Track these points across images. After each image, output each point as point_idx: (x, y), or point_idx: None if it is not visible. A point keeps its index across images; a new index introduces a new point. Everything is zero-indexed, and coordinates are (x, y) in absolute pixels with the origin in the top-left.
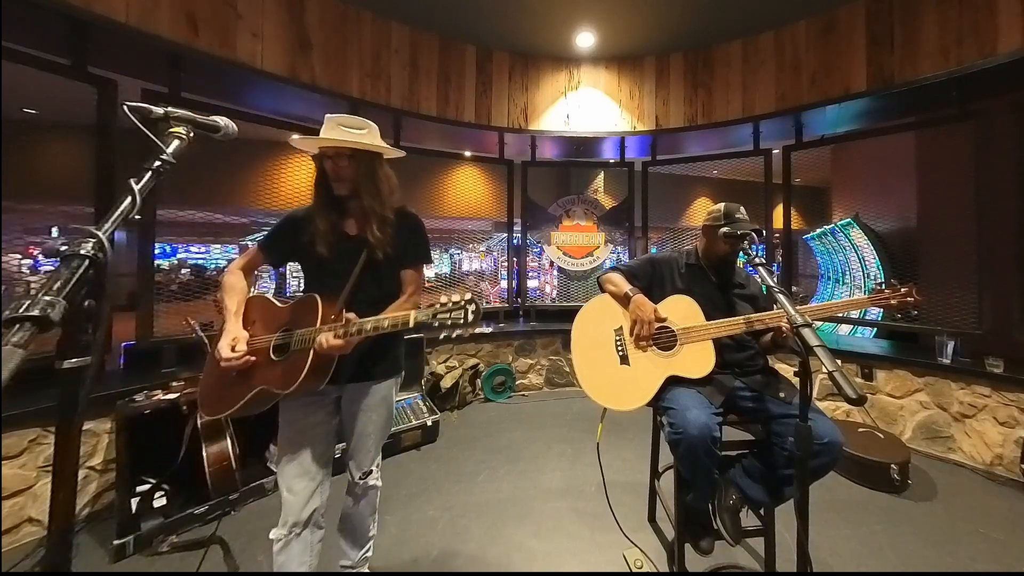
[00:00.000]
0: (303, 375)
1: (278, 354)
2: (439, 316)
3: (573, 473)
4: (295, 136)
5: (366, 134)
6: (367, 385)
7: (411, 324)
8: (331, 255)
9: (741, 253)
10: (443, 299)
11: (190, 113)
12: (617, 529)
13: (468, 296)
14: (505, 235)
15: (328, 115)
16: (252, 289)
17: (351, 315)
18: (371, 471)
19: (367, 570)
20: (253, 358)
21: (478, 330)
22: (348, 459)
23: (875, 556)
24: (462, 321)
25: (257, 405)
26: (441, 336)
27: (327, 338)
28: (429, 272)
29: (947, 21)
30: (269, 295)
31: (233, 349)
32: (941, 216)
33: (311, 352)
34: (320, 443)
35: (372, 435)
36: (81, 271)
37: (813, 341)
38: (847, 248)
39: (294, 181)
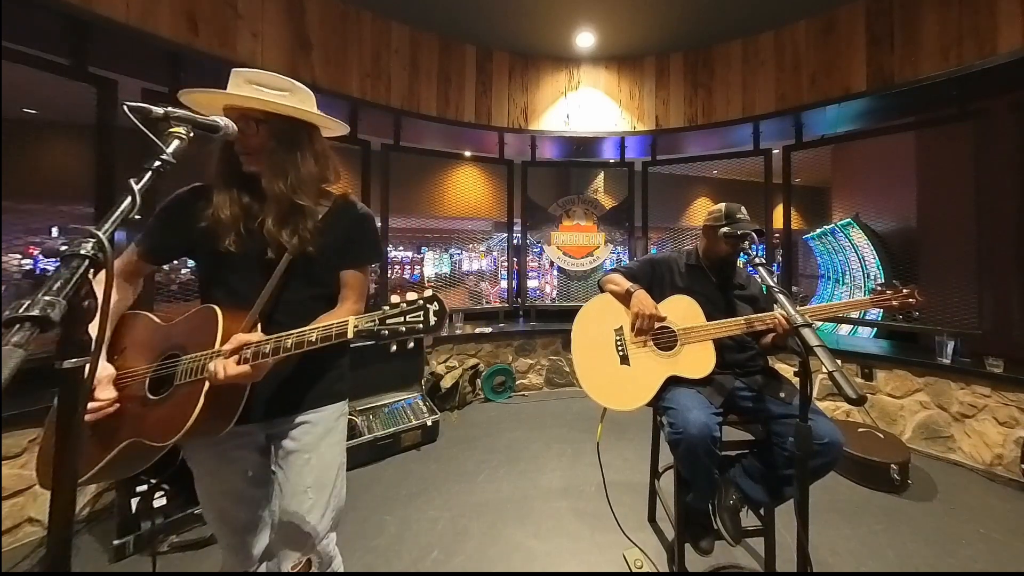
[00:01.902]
0: (193, 418)
1: (157, 391)
2: (389, 322)
3: (573, 473)
4: (186, 90)
5: (287, 96)
6: (299, 418)
7: (349, 335)
8: (239, 249)
9: (742, 253)
10: (395, 298)
11: (190, 113)
12: (617, 529)
13: (428, 293)
14: (505, 235)
15: (236, 69)
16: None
17: (248, 335)
18: (308, 561)
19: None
20: (117, 406)
21: (477, 330)
22: (274, 537)
23: (875, 556)
24: (421, 325)
25: (127, 465)
26: (393, 348)
27: (225, 364)
28: (429, 271)
29: (947, 21)
30: (151, 313)
31: (92, 397)
32: (941, 216)
33: (204, 385)
34: (251, 490)
35: (311, 492)
36: (81, 271)
37: (813, 341)
38: (847, 248)
39: None
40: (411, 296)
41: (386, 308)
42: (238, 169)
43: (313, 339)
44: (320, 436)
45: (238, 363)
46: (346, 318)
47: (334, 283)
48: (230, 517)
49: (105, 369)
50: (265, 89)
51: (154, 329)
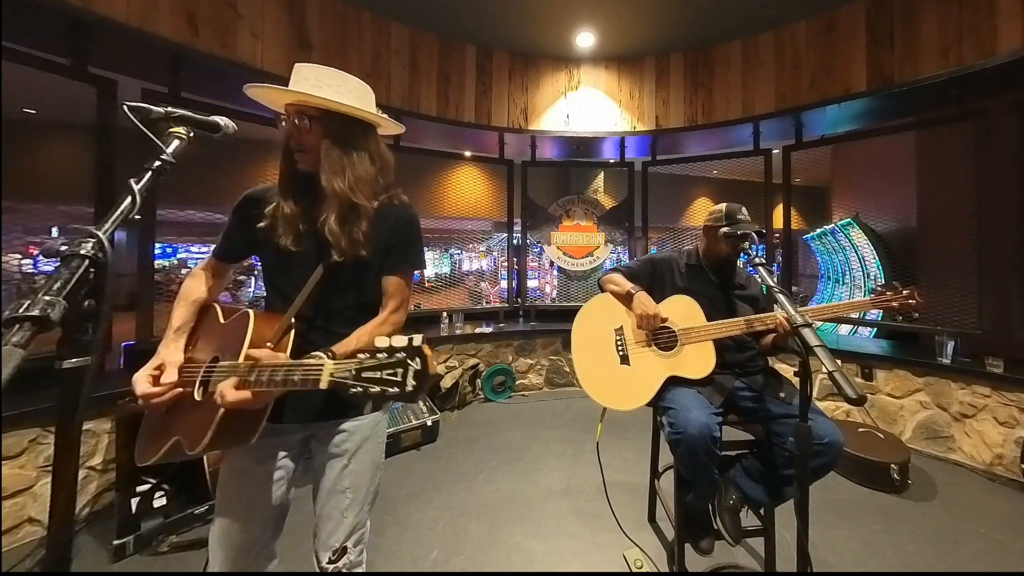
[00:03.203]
0: (210, 432)
1: (203, 392)
2: (365, 375)
3: (573, 473)
4: (250, 84)
5: (344, 95)
6: (339, 424)
7: (323, 386)
8: (297, 249)
9: (742, 253)
10: (380, 342)
11: (190, 113)
12: (617, 529)
13: (417, 341)
14: (505, 235)
15: (298, 64)
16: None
17: (261, 352)
18: (346, 548)
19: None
20: (179, 390)
21: (477, 330)
22: (313, 533)
23: (875, 556)
24: (396, 389)
25: (180, 455)
26: (366, 410)
27: (227, 386)
28: (429, 271)
29: (947, 21)
30: (217, 304)
31: (157, 380)
32: (941, 216)
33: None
34: (270, 501)
35: (348, 492)
36: (81, 271)
37: (813, 341)
38: (847, 248)
39: None
40: (397, 341)
41: (362, 357)
42: (295, 168)
43: (295, 379)
44: (358, 444)
45: (239, 387)
46: (323, 362)
47: (377, 289)
48: (236, 527)
49: (175, 354)
50: (324, 86)
51: (213, 325)
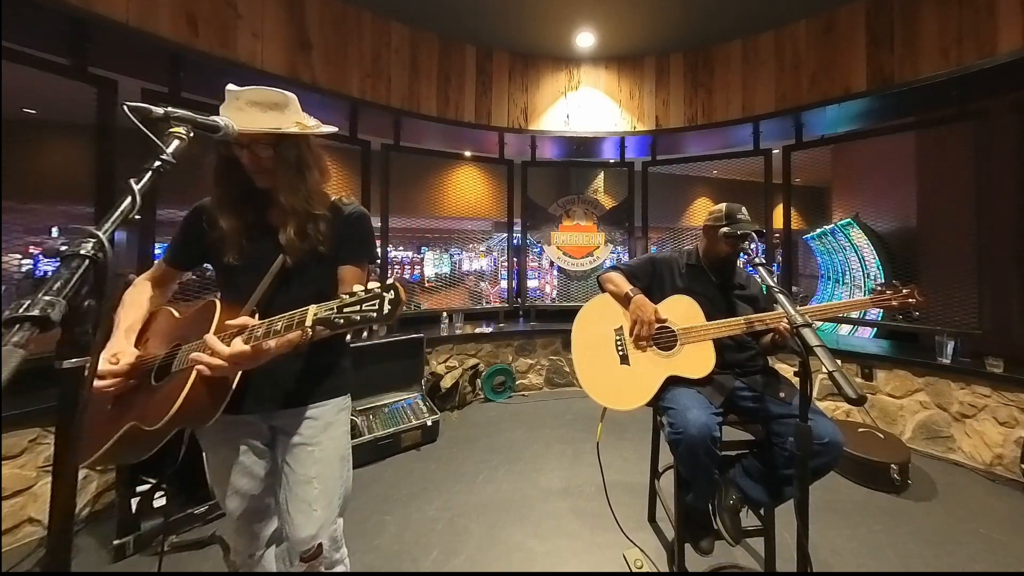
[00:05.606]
0: (178, 403)
1: (160, 379)
2: (346, 310)
3: (573, 473)
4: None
5: (286, 113)
6: (303, 411)
7: (308, 323)
8: (252, 257)
9: (742, 253)
10: (356, 287)
11: (190, 113)
12: (617, 529)
13: (389, 281)
14: (505, 235)
15: (231, 87)
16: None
17: (245, 318)
18: (320, 546)
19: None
20: (132, 381)
21: (477, 330)
22: (282, 528)
23: (875, 556)
24: (375, 314)
25: (132, 448)
26: (348, 337)
27: (227, 343)
28: (429, 271)
29: (947, 21)
30: (172, 308)
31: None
32: (941, 216)
33: (193, 373)
34: (257, 473)
35: (316, 483)
36: (81, 271)
37: (813, 341)
38: (847, 248)
39: None
40: (372, 285)
41: (345, 296)
42: (246, 185)
43: (279, 327)
44: (321, 429)
45: (244, 342)
46: (308, 307)
47: (334, 279)
48: (236, 499)
49: (127, 347)
50: (269, 111)
51: (168, 322)
